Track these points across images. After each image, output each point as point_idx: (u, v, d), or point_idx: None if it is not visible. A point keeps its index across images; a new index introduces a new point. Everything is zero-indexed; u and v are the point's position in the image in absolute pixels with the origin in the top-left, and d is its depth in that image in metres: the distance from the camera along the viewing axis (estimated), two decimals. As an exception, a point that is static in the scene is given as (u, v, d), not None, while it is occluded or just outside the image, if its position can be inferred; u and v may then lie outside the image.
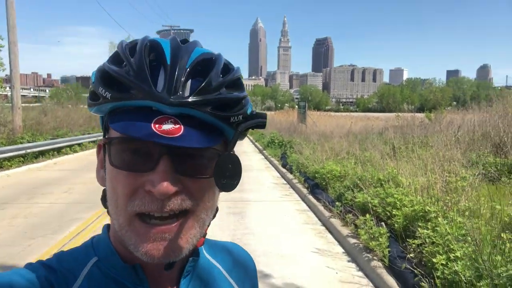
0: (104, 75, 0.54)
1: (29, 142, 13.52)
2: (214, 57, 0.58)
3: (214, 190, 0.58)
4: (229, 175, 0.52)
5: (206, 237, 0.76)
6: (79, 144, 16.58)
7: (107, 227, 0.63)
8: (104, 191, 0.59)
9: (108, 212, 0.58)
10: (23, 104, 16.87)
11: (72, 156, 14.79)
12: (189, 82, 0.53)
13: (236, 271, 0.74)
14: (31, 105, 28.79)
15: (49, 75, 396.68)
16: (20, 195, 8.04)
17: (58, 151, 14.71)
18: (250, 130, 0.60)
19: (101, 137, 0.59)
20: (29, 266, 0.57)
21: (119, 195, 0.53)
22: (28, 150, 12.59)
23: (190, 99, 0.51)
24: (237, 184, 0.53)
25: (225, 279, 0.71)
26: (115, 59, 0.55)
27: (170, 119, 0.51)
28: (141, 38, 0.57)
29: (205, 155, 0.53)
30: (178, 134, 0.50)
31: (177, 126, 0.50)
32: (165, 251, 0.52)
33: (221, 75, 0.56)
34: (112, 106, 0.54)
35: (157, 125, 0.49)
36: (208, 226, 0.61)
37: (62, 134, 17.24)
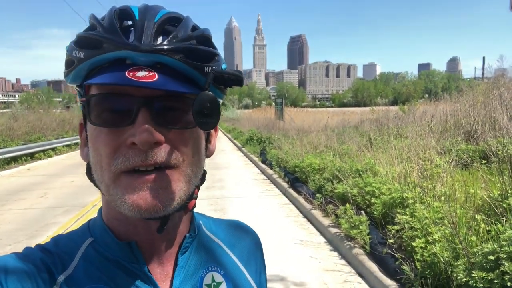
0: (77, 40, 0.55)
1: (-1, 148, 13.07)
2: (183, 17, 0.59)
3: (198, 145, 0.58)
4: (207, 113, 0.51)
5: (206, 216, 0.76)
6: (53, 149, 16.12)
7: (101, 209, 0.63)
8: (88, 164, 0.58)
9: (95, 184, 0.57)
10: (-9, 110, 16.30)
11: (46, 161, 14.36)
12: (159, 36, 0.54)
13: (240, 248, 0.72)
14: (0, 111, 27.81)
15: (18, 80, 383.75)
16: (-7, 202, 7.77)
17: (32, 157, 14.28)
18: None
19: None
20: (26, 249, 0.57)
21: (102, 156, 0.53)
22: (-1, 156, 12.18)
23: (160, 46, 0.52)
24: (216, 123, 0.53)
25: (227, 255, 0.69)
26: (88, 28, 0.56)
27: (144, 68, 0.51)
28: (111, 7, 0.58)
29: (183, 108, 0.53)
30: (153, 80, 0.50)
31: (151, 73, 0.51)
32: (152, 200, 0.51)
33: (190, 31, 0.57)
34: (88, 66, 0.54)
35: (131, 73, 0.50)
36: (198, 189, 0.61)
37: (35, 139, 16.73)
